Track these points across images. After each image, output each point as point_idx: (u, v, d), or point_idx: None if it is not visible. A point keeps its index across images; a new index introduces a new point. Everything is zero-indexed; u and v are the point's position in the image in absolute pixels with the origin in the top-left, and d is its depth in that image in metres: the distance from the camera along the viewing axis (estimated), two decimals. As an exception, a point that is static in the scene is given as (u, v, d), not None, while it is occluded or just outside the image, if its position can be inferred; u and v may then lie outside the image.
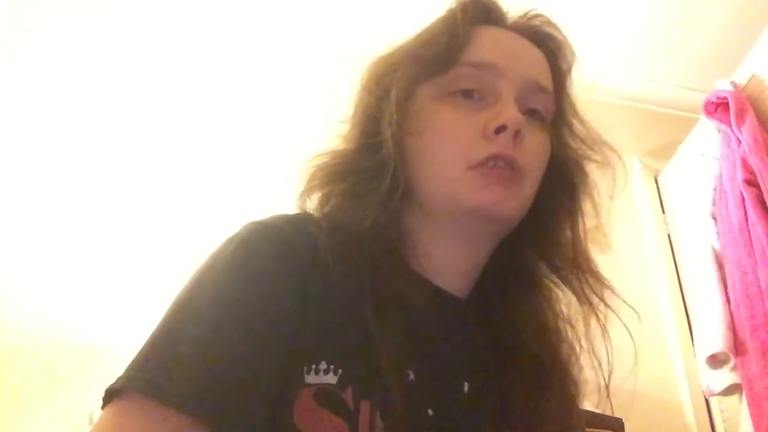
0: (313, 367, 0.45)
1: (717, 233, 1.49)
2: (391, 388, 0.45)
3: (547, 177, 0.59)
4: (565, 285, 0.61)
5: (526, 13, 0.64)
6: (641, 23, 1.81)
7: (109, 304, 2.97)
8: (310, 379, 0.45)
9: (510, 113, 0.53)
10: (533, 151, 0.56)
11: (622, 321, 0.60)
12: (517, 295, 0.61)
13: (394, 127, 0.55)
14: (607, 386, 0.59)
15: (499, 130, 0.53)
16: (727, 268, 1.43)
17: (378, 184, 0.55)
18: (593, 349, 0.59)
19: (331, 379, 0.45)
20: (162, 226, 2.47)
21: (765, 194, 1.31)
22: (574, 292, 0.60)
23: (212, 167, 2.19)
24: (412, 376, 0.49)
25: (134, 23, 1.67)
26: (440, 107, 0.56)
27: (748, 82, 1.47)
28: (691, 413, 1.55)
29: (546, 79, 0.59)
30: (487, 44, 0.58)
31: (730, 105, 1.44)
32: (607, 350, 0.58)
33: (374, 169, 0.56)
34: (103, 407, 0.42)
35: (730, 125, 1.44)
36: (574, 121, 0.63)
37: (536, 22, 0.63)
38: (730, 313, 1.39)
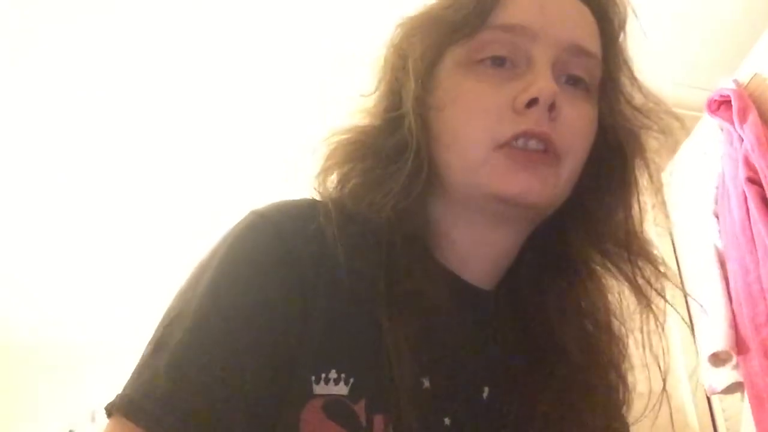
0: (323, 376, 0.41)
1: (719, 231, 1.48)
2: (403, 398, 0.41)
3: (597, 150, 0.52)
4: (616, 273, 0.54)
5: None
6: (643, 21, 1.80)
7: (109, 301, 2.98)
8: (319, 389, 0.41)
9: (542, 83, 0.46)
10: (573, 126, 0.49)
11: (680, 315, 0.53)
12: (558, 285, 0.54)
13: (414, 100, 0.49)
14: (663, 389, 0.53)
15: (531, 103, 0.46)
16: (729, 267, 1.42)
17: (400, 165, 0.49)
18: (650, 347, 0.52)
19: (342, 389, 0.41)
20: (162, 225, 2.47)
21: (767, 192, 1.31)
22: (627, 281, 0.53)
23: (212, 167, 2.18)
24: (426, 383, 0.45)
25: (134, 23, 1.67)
26: (465, 77, 0.49)
27: (751, 80, 1.47)
28: (692, 411, 1.55)
29: (591, 41, 0.51)
30: (521, 3, 0.50)
31: (733, 103, 1.44)
32: (663, 348, 0.52)
33: (396, 149, 0.50)
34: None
35: (732, 123, 1.43)
36: (628, 85, 0.55)
37: None
38: (732, 312, 1.39)
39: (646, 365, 0.53)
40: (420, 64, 0.50)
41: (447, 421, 0.45)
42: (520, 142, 0.47)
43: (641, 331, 0.53)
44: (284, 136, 1.72)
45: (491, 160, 0.47)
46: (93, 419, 2.91)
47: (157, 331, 0.43)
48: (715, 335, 1.38)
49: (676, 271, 1.75)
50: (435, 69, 0.51)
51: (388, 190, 0.48)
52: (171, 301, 0.45)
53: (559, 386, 0.49)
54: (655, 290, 0.53)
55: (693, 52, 1.89)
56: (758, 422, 1.28)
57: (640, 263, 0.53)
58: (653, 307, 0.53)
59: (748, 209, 1.35)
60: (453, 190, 0.50)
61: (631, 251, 0.53)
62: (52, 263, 2.72)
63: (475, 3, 0.50)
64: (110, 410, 0.40)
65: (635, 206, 0.54)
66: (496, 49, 0.49)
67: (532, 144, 0.47)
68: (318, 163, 0.53)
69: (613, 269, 0.54)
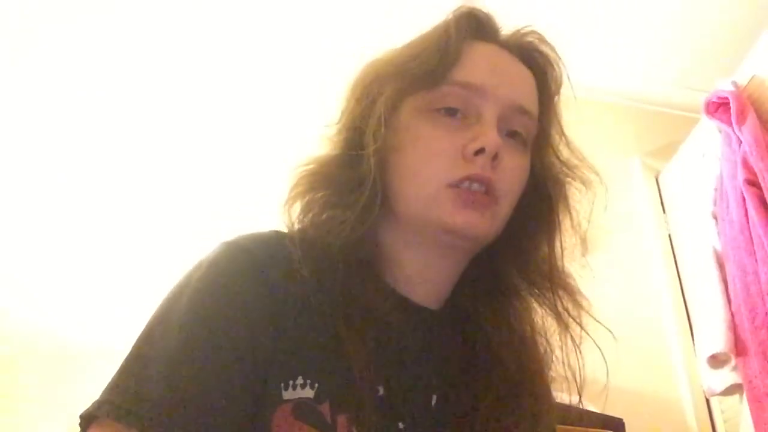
0: (291, 382, 0.46)
1: (718, 233, 1.48)
2: (362, 404, 0.47)
3: (528, 194, 0.61)
4: (539, 299, 0.62)
5: (520, 30, 0.63)
6: (642, 23, 1.80)
7: (109, 303, 2.97)
8: (288, 395, 0.46)
9: (489, 137, 0.54)
10: (510, 173, 0.57)
11: (594, 341, 0.60)
12: (492, 306, 0.61)
13: (377, 142, 0.56)
14: (579, 401, 0.59)
15: (479, 152, 0.54)
16: (728, 268, 1.43)
17: (356, 196, 0.55)
18: (568, 363, 0.60)
19: (308, 393, 0.46)
20: (161, 227, 2.47)
21: (766, 194, 1.31)
22: (549, 308, 0.61)
23: (211, 168, 2.19)
24: (381, 391, 0.50)
25: (134, 23, 1.67)
26: (422, 123, 0.57)
27: (749, 82, 1.47)
28: (691, 413, 1.55)
29: (530, 102, 0.60)
30: (476, 64, 0.58)
31: (731, 105, 1.44)
32: (579, 366, 0.59)
33: (354, 182, 0.56)
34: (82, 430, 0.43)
35: (731, 125, 1.44)
36: (558, 141, 0.64)
37: (529, 39, 0.63)
38: (731, 313, 1.39)
39: (566, 378, 0.60)
40: (385, 110, 0.57)
41: (401, 425, 0.51)
42: (466, 183, 0.54)
43: (561, 350, 0.60)
44: (284, 137, 1.72)
45: (442, 196, 0.54)
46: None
47: (136, 348, 0.46)
48: (714, 337, 1.38)
49: (675, 272, 1.76)
50: (396, 113, 0.58)
51: (344, 218, 0.55)
52: (147, 324, 0.48)
53: (495, 393, 0.56)
54: (572, 317, 0.60)
55: (691, 54, 1.89)
56: (757, 423, 1.28)
57: (560, 292, 0.61)
58: (570, 330, 0.60)
59: (746, 211, 1.35)
60: (405, 220, 0.57)
61: (552, 282, 0.61)
62: (53, 264, 2.72)
63: (437, 60, 0.58)
64: (91, 417, 0.42)
65: (558, 244, 0.62)
66: (451, 101, 0.57)
67: (475, 186, 0.55)
68: (284, 192, 0.59)
69: (537, 296, 0.62)
